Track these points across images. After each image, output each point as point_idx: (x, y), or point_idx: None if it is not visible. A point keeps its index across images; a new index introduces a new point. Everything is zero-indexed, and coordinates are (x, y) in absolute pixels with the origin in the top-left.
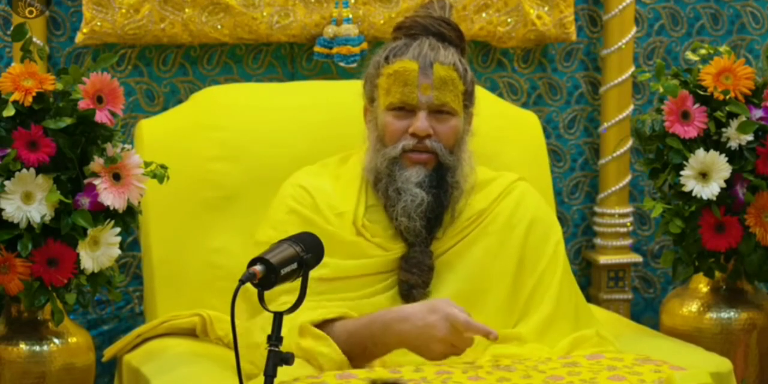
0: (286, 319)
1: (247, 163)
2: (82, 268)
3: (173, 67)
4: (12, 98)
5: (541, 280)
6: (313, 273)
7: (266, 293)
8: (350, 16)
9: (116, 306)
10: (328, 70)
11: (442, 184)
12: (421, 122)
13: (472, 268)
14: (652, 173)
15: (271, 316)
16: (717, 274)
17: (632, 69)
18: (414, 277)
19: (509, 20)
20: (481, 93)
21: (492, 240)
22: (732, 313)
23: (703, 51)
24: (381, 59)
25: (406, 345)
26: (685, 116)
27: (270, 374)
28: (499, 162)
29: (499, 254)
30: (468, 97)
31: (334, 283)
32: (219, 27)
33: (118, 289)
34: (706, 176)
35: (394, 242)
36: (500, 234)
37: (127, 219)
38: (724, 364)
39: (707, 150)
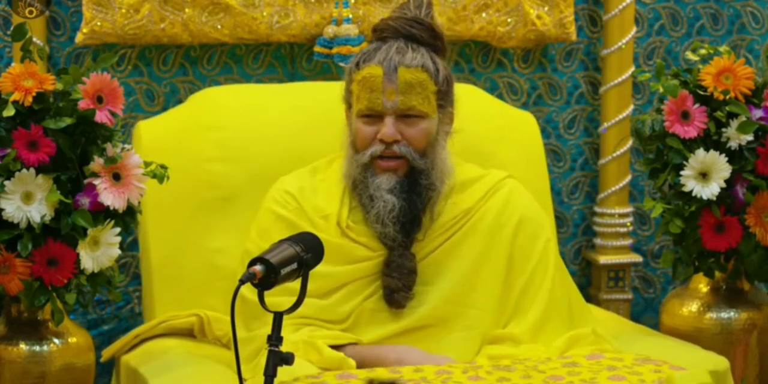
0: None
1: (246, 164)
2: (82, 268)
3: (173, 67)
4: (12, 98)
5: (531, 280)
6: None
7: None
8: (350, 16)
9: (116, 306)
10: (328, 70)
11: (415, 188)
12: (388, 128)
13: (460, 268)
14: (652, 173)
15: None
16: (717, 274)
17: (632, 69)
18: (395, 281)
19: (509, 20)
20: (477, 93)
21: (480, 239)
22: (732, 313)
23: (703, 51)
24: (353, 65)
25: None
26: (685, 116)
27: (270, 374)
28: (496, 162)
29: (487, 254)
30: (443, 97)
31: (320, 300)
32: (219, 27)
33: (118, 289)
34: (706, 176)
35: (378, 242)
36: (488, 233)
37: (127, 219)
38: (721, 363)
39: (707, 150)
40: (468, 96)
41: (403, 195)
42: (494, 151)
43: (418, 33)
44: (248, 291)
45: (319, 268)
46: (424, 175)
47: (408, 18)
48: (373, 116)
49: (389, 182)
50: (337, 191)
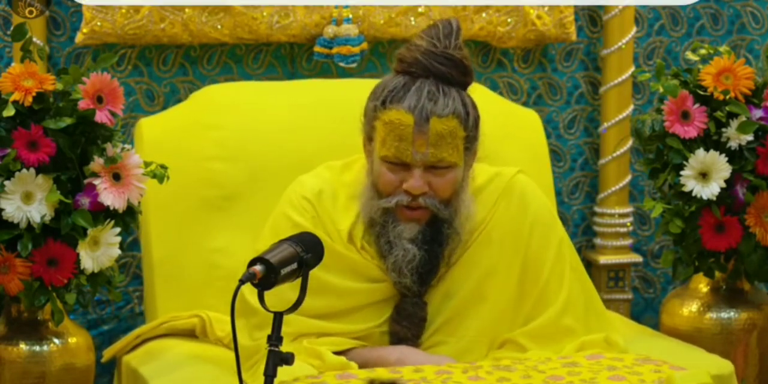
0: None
1: (246, 163)
2: (82, 268)
3: (173, 67)
4: (12, 98)
5: (547, 285)
6: (313, 304)
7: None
8: (350, 16)
9: (116, 306)
10: (328, 70)
11: (438, 237)
12: (416, 180)
13: (473, 280)
14: (652, 173)
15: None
16: (717, 274)
17: (632, 69)
18: (404, 329)
19: (509, 20)
20: (482, 91)
21: (494, 249)
22: (732, 313)
23: (703, 51)
24: (378, 103)
25: None
26: (685, 116)
27: (270, 374)
28: (500, 160)
29: (501, 263)
30: (471, 140)
31: (331, 318)
32: (219, 27)
33: (118, 289)
34: (706, 176)
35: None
36: (502, 241)
37: (127, 219)
38: (726, 366)
39: (707, 150)
40: (471, 94)
41: (425, 246)
42: (498, 149)
43: (448, 71)
44: (251, 296)
45: (339, 283)
46: (447, 223)
47: (438, 53)
48: (400, 164)
49: (411, 232)
50: (353, 208)
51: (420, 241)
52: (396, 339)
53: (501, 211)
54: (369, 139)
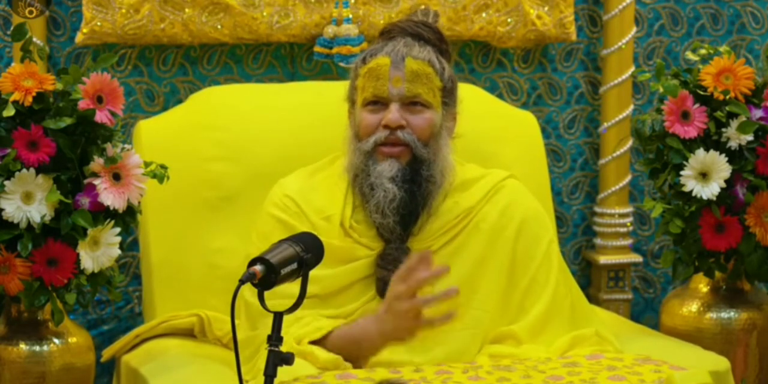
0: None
1: (246, 163)
2: (82, 268)
3: (173, 67)
4: (12, 98)
5: (534, 281)
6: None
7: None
8: (350, 16)
9: (116, 306)
10: (328, 70)
11: (416, 179)
12: (393, 114)
13: (462, 269)
14: (652, 173)
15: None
16: (717, 274)
17: (632, 69)
18: (390, 274)
19: (509, 20)
20: (478, 93)
21: (482, 240)
22: (732, 313)
23: (703, 51)
24: (359, 61)
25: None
26: (685, 116)
27: (270, 374)
28: (496, 162)
29: (489, 255)
30: (447, 95)
31: (323, 298)
32: (219, 27)
33: (118, 289)
34: (706, 176)
35: (377, 241)
36: (490, 234)
37: (127, 219)
38: (722, 363)
39: (707, 150)
40: (468, 96)
41: (405, 185)
42: (494, 151)
43: (425, 33)
44: (249, 294)
45: (319, 272)
46: (426, 165)
47: (415, 21)
48: (379, 104)
49: (391, 169)
50: (340, 189)
51: (400, 180)
52: (382, 284)
53: (491, 204)
54: (352, 103)
